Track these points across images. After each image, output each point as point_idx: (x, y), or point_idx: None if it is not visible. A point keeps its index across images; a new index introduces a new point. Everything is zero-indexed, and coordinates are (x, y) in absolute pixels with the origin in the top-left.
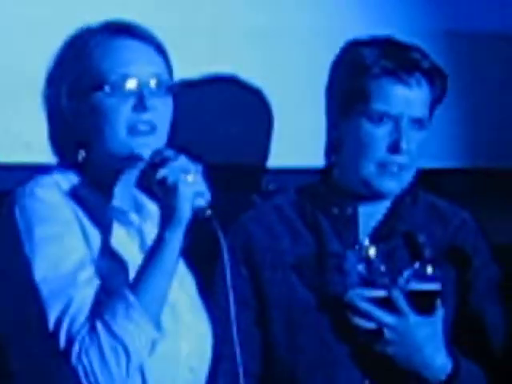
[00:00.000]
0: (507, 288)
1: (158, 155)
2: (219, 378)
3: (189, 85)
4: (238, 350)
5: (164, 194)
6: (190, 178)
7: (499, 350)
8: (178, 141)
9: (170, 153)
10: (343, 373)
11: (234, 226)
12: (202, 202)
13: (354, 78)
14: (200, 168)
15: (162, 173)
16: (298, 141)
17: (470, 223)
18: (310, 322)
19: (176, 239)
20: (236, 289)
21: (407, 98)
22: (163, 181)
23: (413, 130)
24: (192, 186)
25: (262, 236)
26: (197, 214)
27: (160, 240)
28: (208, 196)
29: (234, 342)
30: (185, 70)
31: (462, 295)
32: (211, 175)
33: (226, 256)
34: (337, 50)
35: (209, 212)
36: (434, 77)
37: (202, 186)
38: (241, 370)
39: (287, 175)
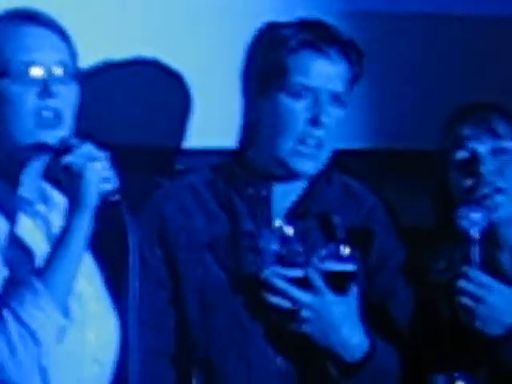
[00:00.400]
0: (415, 268)
1: (63, 143)
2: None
3: (108, 67)
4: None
5: (70, 180)
6: (95, 164)
7: (408, 330)
8: (90, 122)
9: (74, 141)
10: (256, 351)
11: (147, 206)
12: (108, 187)
13: (272, 53)
14: (106, 154)
15: (66, 159)
16: (211, 122)
17: (381, 205)
18: (224, 301)
19: (83, 226)
20: (152, 270)
21: (327, 71)
22: (68, 167)
23: (332, 106)
24: (98, 172)
25: (175, 216)
26: (104, 199)
27: (67, 227)
28: (115, 181)
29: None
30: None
31: (374, 276)
32: (129, 157)
33: (132, 241)
34: (252, 34)
35: (116, 197)
36: (352, 52)
37: (108, 172)
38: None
39: (200, 156)
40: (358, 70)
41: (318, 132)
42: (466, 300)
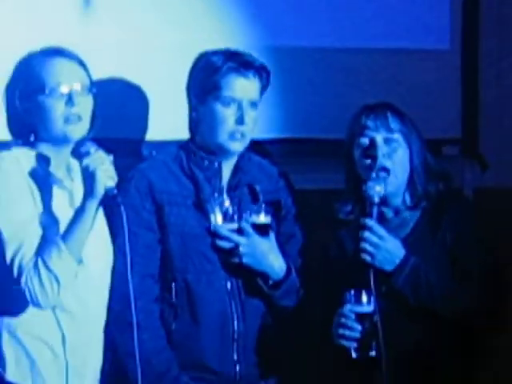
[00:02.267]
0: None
1: (84, 147)
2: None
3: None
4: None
5: (87, 176)
6: (104, 166)
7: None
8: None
9: (92, 147)
10: (216, 276)
11: (133, 172)
12: (111, 183)
13: (209, 76)
14: (111, 158)
15: (86, 161)
16: (168, 119)
17: (284, 176)
18: (196, 242)
19: (93, 208)
20: (143, 219)
21: (246, 87)
22: (86, 167)
23: (250, 110)
24: (105, 171)
25: (157, 181)
26: (107, 192)
27: (82, 207)
28: (115, 178)
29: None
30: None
31: (280, 223)
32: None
33: (125, 221)
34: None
35: (114, 191)
36: (262, 72)
37: (111, 171)
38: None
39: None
40: (266, 83)
41: (242, 128)
42: (366, 245)
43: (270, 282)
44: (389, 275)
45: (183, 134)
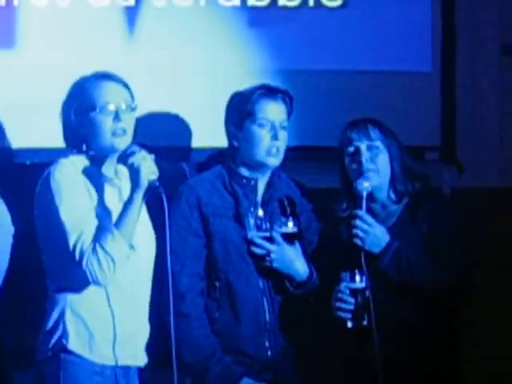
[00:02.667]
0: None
1: (130, 148)
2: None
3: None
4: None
5: (132, 172)
6: (147, 163)
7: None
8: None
9: (136, 148)
10: (251, 277)
11: (184, 187)
12: (153, 176)
13: (244, 105)
14: (153, 156)
15: (131, 160)
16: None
17: (305, 193)
18: (235, 248)
19: (139, 198)
20: (191, 227)
21: (276, 109)
22: (132, 164)
23: (281, 130)
24: (148, 167)
25: (204, 196)
26: (150, 184)
27: (130, 198)
28: (157, 173)
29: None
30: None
31: (304, 232)
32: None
33: (166, 210)
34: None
35: (156, 183)
36: (286, 97)
37: (153, 167)
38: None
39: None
40: (290, 109)
41: (277, 143)
42: (358, 231)
43: (295, 283)
44: (376, 257)
45: (212, 141)
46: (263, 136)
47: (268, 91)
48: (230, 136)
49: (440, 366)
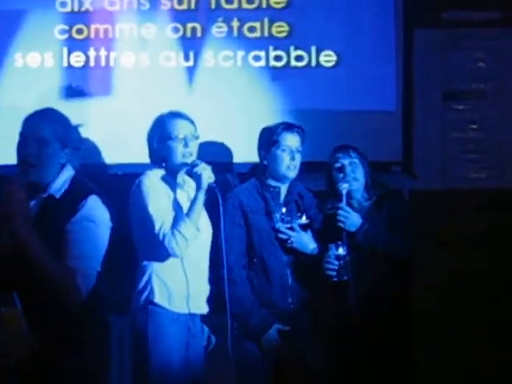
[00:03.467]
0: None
1: (195, 161)
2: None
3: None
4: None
5: (196, 178)
6: (206, 171)
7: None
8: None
9: (198, 161)
10: (278, 254)
11: (230, 194)
12: (211, 180)
13: (271, 136)
14: (210, 167)
15: (195, 170)
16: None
17: (315, 195)
18: (266, 235)
19: (202, 196)
20: (235, 221)
21: (293, 139)
22: (196, 172)
23: (297, 154)
24: (207, 174)
25: (244, 199)
26: (209, 186)
27: (195, 197)
28: (213, 178)
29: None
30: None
31: (312, 223)
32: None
33: (221, 205)
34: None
35: (213, 185)
36: (300, 130)
37: (211, 174)
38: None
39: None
40: (303, 138)
41: (294, 162)
42: (340, 217)
43: (307, 257)
44: (353, 234)
45: (248, 158)
46: (284, 157)
47: (288, 126)
48: (261, 157)
49: (395, 306)
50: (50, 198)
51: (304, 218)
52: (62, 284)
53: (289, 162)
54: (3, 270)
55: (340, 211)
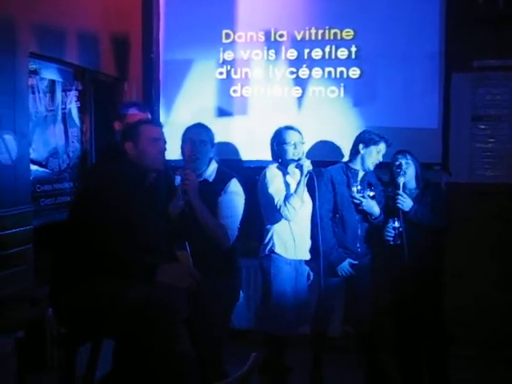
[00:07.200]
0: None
1: (299, 158)
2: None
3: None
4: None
5: (300, 167)
6: (307, 163)
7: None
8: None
9: (302, 158)
10: (353, 213)
11: (324, 170)
12: (310, 168)
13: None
14: (310, 161)
15: (300, 162)
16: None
17: (379, 180)
18: (347, 199)
19: (304, 180)
20: (328, 188)
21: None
22: (300, 164)
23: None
24: (307, 165)
25: (334, 175)
26: (309, 171)
27: (299, 181)
28: (311, 167)
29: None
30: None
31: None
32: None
33: (316, 184)
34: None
35: (311, 171)
36: (386, 141)
37: (310, 165)
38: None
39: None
40: (388, 145)
41: (378, 159)
42: (399, 200)
43: (373, 217)
44: (406, 212)
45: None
46: (375, 156)
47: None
48: (359, 150)
49: (433, 262)
50: (204, 181)
51: (372, 192)
52: (218, 234)
53: (376, 159)
54: (180, 225)
55: (398, 196)
